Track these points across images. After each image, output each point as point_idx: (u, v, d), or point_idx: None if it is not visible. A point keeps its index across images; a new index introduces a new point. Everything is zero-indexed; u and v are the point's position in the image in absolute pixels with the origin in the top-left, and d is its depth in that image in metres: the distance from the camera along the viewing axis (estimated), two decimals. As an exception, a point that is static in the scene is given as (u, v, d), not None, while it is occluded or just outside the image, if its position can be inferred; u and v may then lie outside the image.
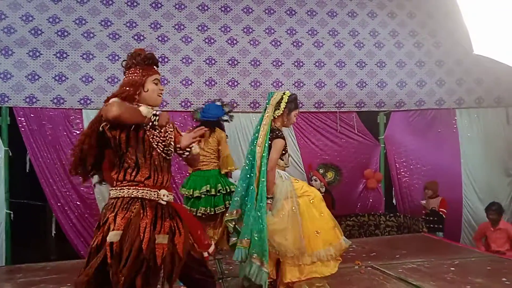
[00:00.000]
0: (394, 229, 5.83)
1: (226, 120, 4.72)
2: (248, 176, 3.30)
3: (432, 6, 6.70)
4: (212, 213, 4.27)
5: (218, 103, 4.75)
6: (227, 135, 4.67)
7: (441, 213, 5.82)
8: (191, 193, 4.33)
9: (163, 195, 2.31)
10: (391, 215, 6.01)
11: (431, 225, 5.73)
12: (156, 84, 2.43)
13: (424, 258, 4.30)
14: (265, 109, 3.44)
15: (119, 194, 2.26)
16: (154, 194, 2.29)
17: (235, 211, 3.30)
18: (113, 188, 2.30)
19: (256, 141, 3.30)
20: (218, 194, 4.31)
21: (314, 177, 5.66)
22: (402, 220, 5.90)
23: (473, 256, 4.47)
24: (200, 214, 4.25)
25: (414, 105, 6.63)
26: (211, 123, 4.48)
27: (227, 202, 4.32)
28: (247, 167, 3.33)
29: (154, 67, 2.47)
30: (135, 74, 2.39)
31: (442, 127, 6.62)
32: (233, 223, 3.29)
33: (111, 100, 2.28)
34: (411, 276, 3.68)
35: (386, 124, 6.62)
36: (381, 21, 6.67)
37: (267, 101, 3.46)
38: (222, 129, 4.63)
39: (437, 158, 6.44)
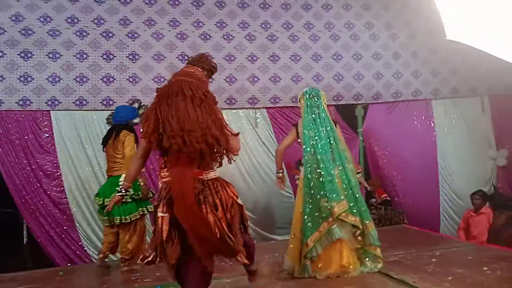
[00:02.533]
0: (376, 222, 5.79)
1: (137, 123, 4.48)
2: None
3: (406, -3, 6.71)
4: (128, 221, 4.17)
5: (135, 105, 4.62)
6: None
7: (384, 198, 6.03)
8: (101, 202, 4.23)
9: None
10: (372, 207, 5.99)
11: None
12: None
13: (406, 250, 4.28)
14: (317, 105, 3.71)
15: None
16: None
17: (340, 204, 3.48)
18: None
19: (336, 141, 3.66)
20: (130, 200, 4.16)
21: (297, 176, 5.58)
22: (383, 212, 5.89)
23: (454, 246, 4.48)
24: (117, 222, 4.16)
25: (391, 97, 6.62)
26: (120, 127, 4.35)
27: (142, 208, 4.22)
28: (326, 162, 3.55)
29: None
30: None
31: (419, 118, 6.64)
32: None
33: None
34: (393, 270, 3.63)
35: (364, 117, 6.59)
36: (356, 13, 6.62)
37: (316, 98, 3.74)
38: (133, 131, 4.38)
39: (415, 149, 6.46)
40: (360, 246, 3.57)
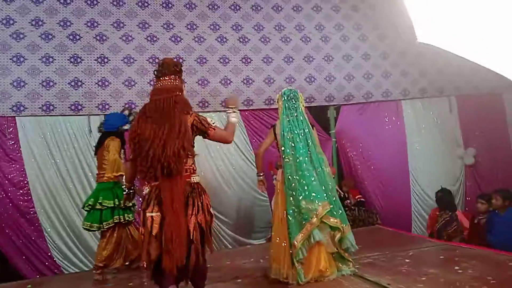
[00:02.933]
0: (350, 223, 5.83)
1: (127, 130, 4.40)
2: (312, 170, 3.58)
3: (375, -1, 6.81)
4: (103, 228, 4.16)
5: (126, 112, 4.57)
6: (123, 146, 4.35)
7: (359, 199, 6.13)
8: (90, 204, 4.18)
9: None
10: (346, 208, 6.03)
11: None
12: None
13: (380, 251, 4.32)
14: (295, 108, 3.71)
15: None
16: None
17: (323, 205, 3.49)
18: None
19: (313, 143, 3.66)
20: (104, 208, 4.12)
21: (274, 176, 5.56)
22: (357, 214, 5.95)
23: (426, 245, 4.55)
24: (94, 229, 4.19)
25: (362, 98, 6.70)
26: (109, 134, 4.33)
27: (118, 216, 4.17)
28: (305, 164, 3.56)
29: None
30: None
31: (389, 118, 6.75)
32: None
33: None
34: (368, 272, 3.65)
35: (336, 118, 6.65)
36: (326, 15, 6.67)
37: (294, 99, 3.74)
38: (122, 138, 4.35)
39: (386, 150, 6.57)
40: (336, 250, 3.57)
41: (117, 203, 4.13)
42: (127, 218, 4.20)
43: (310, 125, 3.77)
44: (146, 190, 2.77)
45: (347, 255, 3.64)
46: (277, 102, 3.86)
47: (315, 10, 6.63)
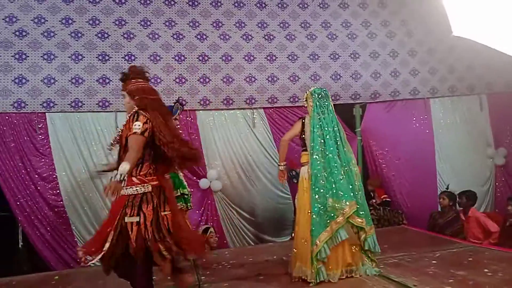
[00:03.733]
0: (375, 222, 5.73)
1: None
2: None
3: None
4: None
5: (177, 106, 4.60)
6: None
7: (384, 199, 6.04)
8: None
9: None
10: (371, 208, 5.94)
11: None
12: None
13: (405, 251, 4.25)
14: (326, 106, 3.71)
15: None
16: None
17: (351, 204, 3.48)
18: None
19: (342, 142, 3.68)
20: None
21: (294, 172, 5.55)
22: (382, 213, 5.85)
23: (454, 247, 4.43)
24: None
25: (389, 96, 6.58)
26: None
27: None
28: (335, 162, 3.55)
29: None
30: (144, 84, 3.05)
31: (417, 117, 6.60)
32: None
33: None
34: (393, 272, 3.60)
35: (362, 116, 6.55)
36: (353, 12, 6.57)
37: (325, 98, 3.74)
38: None
39: (413, 149, 6.41)
40: (359, 243, 3.54)
41: None
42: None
43: (340, 124, 3.76)
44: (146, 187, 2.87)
45: (371, 254, 3.60)
46: (306, 100, 3.83)
47: (342, 7, 6.55)
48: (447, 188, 5.91)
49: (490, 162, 6.75)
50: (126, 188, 2.81)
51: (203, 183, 5.77)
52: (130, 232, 2.78)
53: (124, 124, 2.95)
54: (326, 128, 3.63)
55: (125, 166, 2.66)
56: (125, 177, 2.71)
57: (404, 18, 6.67)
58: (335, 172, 3.52)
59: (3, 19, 5.32)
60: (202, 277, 3.90)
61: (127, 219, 2.79)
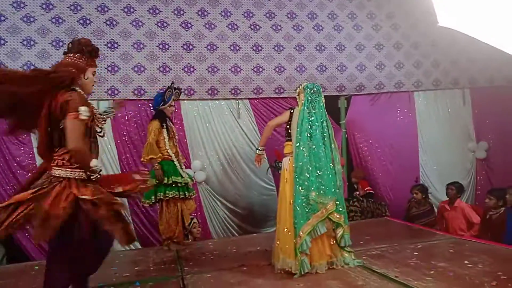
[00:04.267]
0: (358, 214, 5.80)
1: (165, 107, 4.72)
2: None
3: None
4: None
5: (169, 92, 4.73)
6: (164, 124, 4.64)
7: (368, 191, 6.12)
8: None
9: None
10: (354, 200, 5.99)
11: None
12: (93, 75, 2.78)
13: (388, 243, 4.28)
14: (317, 101, 3.70)
15: None
16: None
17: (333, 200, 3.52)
18: None
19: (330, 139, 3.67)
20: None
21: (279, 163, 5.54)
22: (365, 205, 5.89)
23: (435, 239, 4.49)
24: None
25: (374, 89, 6.60)
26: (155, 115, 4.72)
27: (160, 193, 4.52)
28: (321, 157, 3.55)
29: (95, 60, 2.80)
30: (81, 60, 2.68)
31: (401, 109, 6.65)
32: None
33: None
34: (375, 264, 3.63)
35: (347, 109, 6.56)
36: (339, 3, 6.54)
37: (317, 93, 3.73)
38: (162, 117, 4.65)
39: (397, 141, 6.48)
40: (334, 241, 3.60)
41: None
42: (167, 195, 4.52)
43: (329, 121, 3.77)
44: None
45: (347, 247, 3.66)
46: (298, 94, 3.83)
47: (328, -1, 6.52)
48: (415, 181, 6.05)
49: (472, 155, 6.85)
50: None
51: (187, 173, 5.73)
52: None
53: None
54: (316, 123, 3.62)
55: None
56: None
57: (390, 11, 6.67)
58: (323, 167, 3.53)
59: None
60: (185, 268, 3.87)
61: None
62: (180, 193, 4.58)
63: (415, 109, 6.68)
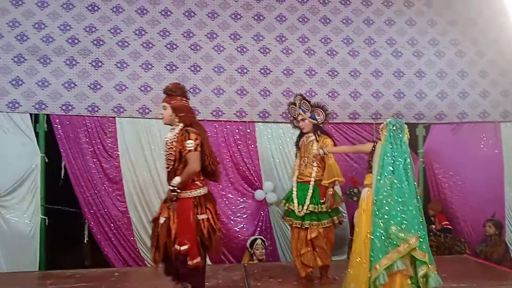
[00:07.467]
0: (434, 249, 5.48)
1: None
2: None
3: (474, 12, 6.41)
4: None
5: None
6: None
7: (445, 225, 5.82)
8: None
9: None
10: (431, 233, 5.68)
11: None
12: None
13: (466, 283, 4.02)
14: (400, 137, 3.68)
15: None
16: None
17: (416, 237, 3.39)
18: None
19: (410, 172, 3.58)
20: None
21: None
22: (442, 240, 5.58)
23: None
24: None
25: (456, 118, 6.30)
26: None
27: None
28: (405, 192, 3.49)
29: None
30: (187, 103, 3.54)
31: (486, 141, 6.26)
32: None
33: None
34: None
35: (425, 137, 6.31)
36: (420, 29, 6.40)
37: (400, 130, 3.72)
38: (322, 132, 4.50)
39: (480, 175, 6.06)
40: (412, 276, 3.43)
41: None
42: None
43: (411, 158, 3.72)
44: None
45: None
46: (381, 130, 3.86)
47: (409, 24, 6.40)
48: (492, 216, 5.64)
49: None
50: (191, 191, 3.33)
51: (258, 194, 5.83)
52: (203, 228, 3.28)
53: (173, 138, 3.40)
54: (399, 159, 3.60)
55: (177, 179, 3.25)
56: (176, 188, 3.25)
57: (475, 37, 6.39)
58: (406, 202, 3.46)
59: (83, 29, 5.78)
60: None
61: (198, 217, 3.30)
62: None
63: (501, 141, 6.25)
